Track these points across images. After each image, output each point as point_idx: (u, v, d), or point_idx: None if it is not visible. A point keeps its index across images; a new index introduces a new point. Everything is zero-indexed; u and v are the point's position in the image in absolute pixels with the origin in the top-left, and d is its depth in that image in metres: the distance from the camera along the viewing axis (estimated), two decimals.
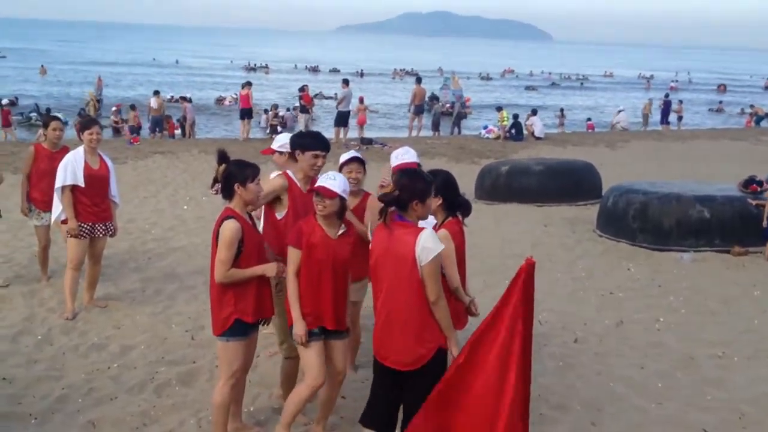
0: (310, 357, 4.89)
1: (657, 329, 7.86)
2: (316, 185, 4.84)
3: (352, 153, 5.94)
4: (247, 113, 24.41)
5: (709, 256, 10.79)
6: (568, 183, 15.43)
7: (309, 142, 5.49)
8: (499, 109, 28.12)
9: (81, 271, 7.90)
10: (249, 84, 25.22)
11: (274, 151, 6.25)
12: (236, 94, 40.84)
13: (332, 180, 4.81)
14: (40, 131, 23.20)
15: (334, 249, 4.85)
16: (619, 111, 35.15)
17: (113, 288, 8.67)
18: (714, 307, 8.61)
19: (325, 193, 4.76)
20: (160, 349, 6.94)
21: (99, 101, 27.42)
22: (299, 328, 4.82)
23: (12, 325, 7.35)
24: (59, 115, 12.48)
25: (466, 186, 15.41)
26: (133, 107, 26.78)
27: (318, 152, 5.43)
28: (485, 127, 28.25)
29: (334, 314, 4.89)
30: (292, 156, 5.66)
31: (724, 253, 10.88)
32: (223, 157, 5.10)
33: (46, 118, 9.13)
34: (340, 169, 5.80)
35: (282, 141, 6.17)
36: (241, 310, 4.92)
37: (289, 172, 5.48)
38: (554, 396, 6.13)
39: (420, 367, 4.43)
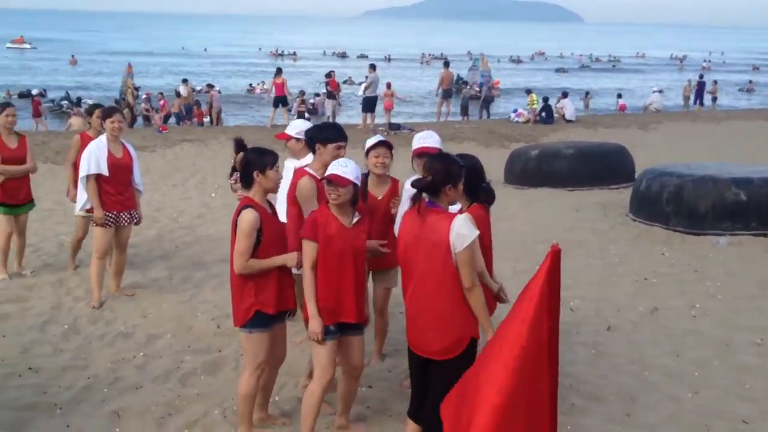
0: (322, 354, 4.78)
1: (693, 316, 7.64)
2: (327, 173, 4.69)
3: (378, 137, 5.77)
4: (281, 101, 24.29)
5: (746, 239, 10.50)
6: (600, 166, 15.14)
7: (331, 135, 5.36)
8: (528, 92, 27.80)
9: (107, 259, 7.90)
10: (280, 71, 25.07)
11: (289, 137, 6.13)
12: (263, 82, 41.01)
13: (344, 167, 4.66)
14: (70, 121, 23.53)
15: (351, 238, 4.72)
16: (654, 91, 34.61)
17: (140, 276, 8.65)
18: (752, 292, 8.36)
19: (339, 181, 4.62)
20: (186, 337, 6.89)
21: (137, 89, 27.47)
22: (316, 325, 4.69)
23: (39, 314, 7.35)
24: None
25: (496, 171, 15.23)
26: (177, 95, 26.77)
27: (341, 143, 5.31)
28: (515, 111, 27.96)
29: (356, 305, 4.76)
30: (308, 143, 5.53)
31: (762, 236, 10.57)
32: (240, 145, 4.99)
33: (91, 106, 9.13)
34: (367, 154, 5.68)
35: (299, 127, 6.05)
36: (262, 302, 4.81)
37: (308, 169, 5.34)
38: (586, 385, 5.97)
39: (452, 357, 4.31)
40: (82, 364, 6.27)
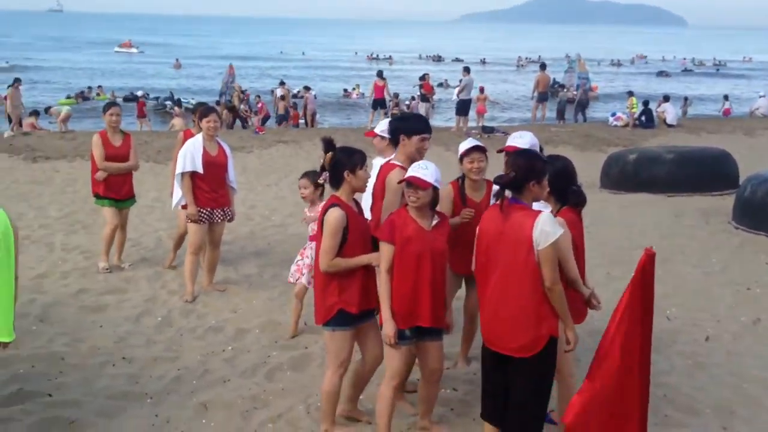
0: (394, 357, 4.74)
1: None
2: (407, 176, 4.65)
3: (472, 141, 5.65)
4: (380, 103, 24.50)
5: None
6: (702, 172, 14.56)
7: (417, 126, 5.29)
8: (630, 93, 27.06)
9: (201, 255, 8.08)
10: (382, 74, 25.28)
11: (375, 135, 6.13)
12: (358, 86, 41.36)
13: (424, 170, 4.61)
14: (172, 121, 24.29)
15: (431, 241, 4.65)
16: (761, 96, 33.13)
17: (232, 272, 8.82)
18: None
19: (419, 184, 4.57)
20: (273, 333, 6.98)
21: (243, 92, 28.12)
22: (389, 328, 4.64)
23: (135, 306, 7.59)
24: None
25: (592, 175, 14.88)
26: (282, 97, 27.34)
27: (426, 135, 5.24)
28: (613, 114, 27.26)
29: (432, 310, 4.68)
30: (392, 142, 5.49)
31: None
32: (329, 144, 4.99)
33: (196, 105, 9.36)
34: (461, 159, 5.58)
35: (385, 125, 6.04)
36: (345, 301, 4.80)
37: (395, 161, 5.30)
38: (682, 397, 5.72)
39: (531, 355, 4.21)
40: (174, 355, 6.43)
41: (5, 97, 23.05)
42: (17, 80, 23.94)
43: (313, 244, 6.80)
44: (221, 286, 8.22)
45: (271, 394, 5.72)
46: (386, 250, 4.64)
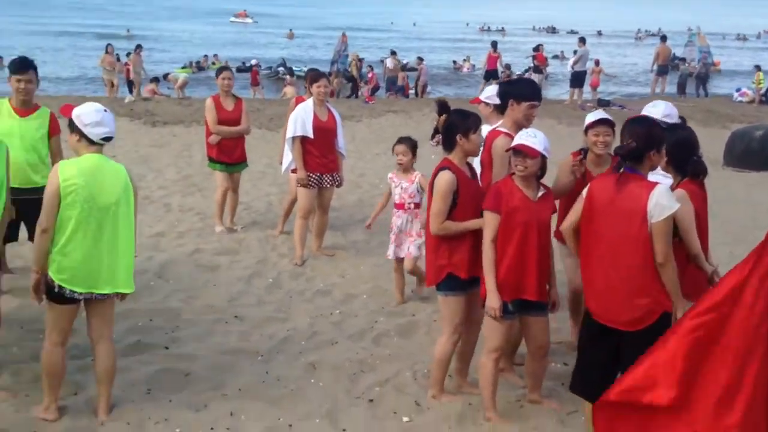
0: (495, 328, 4.61)
1: None
2: (515, 143, 4.50)
3: (599, 114, 5.40)
4: (492, 75, 24.13)
5: None
6: None
7: (527, 92, 5.11)
8: (757, 68, 25.67)
9: (310, 220, 8.15)
10: (496, 44, 24.90)
11: (480, 102, 6.00)
12: (468, 57, 40.80)
13: (533, 137, 4.45)
14: (284, 90, 24.64)
15: (537, 211, 4.51)
16: None
17: (341, 238, 8.87)
18: None
19: (528, 152, 4.42)
20: (380, 300, 6.98)
21: (360, 60, 28.26)
22: (494, 301, 4.51)
23: (247, 267, 7.73)
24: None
25: (716, 152, 14.20)
26: (402, 68, 27.34)
27: (535, 102, 5.06)
28: (738, 90, 25.93)
29: (538, 282, 4.56)
30: (497, 109, 5.32)
31: None
32: (443, 107, 4.90)
33: (309, 71, 9.34)
34: (586, 132, 5.36)
35: (490, 92, 5.89)
36: (455, 265, 4.74)
37: (501, 128, 5.13)
38: None
39: (642, 328, 4.03)
40: (283, 316, 6.53)
41: (126, 64, 23.84)
42: (139, 47, 24.72)
43: (400, 212, 6.76)
44: (330, 251, 8.28)
45: (378, 358, 5.72)
46: (491, 219, 4.52)
